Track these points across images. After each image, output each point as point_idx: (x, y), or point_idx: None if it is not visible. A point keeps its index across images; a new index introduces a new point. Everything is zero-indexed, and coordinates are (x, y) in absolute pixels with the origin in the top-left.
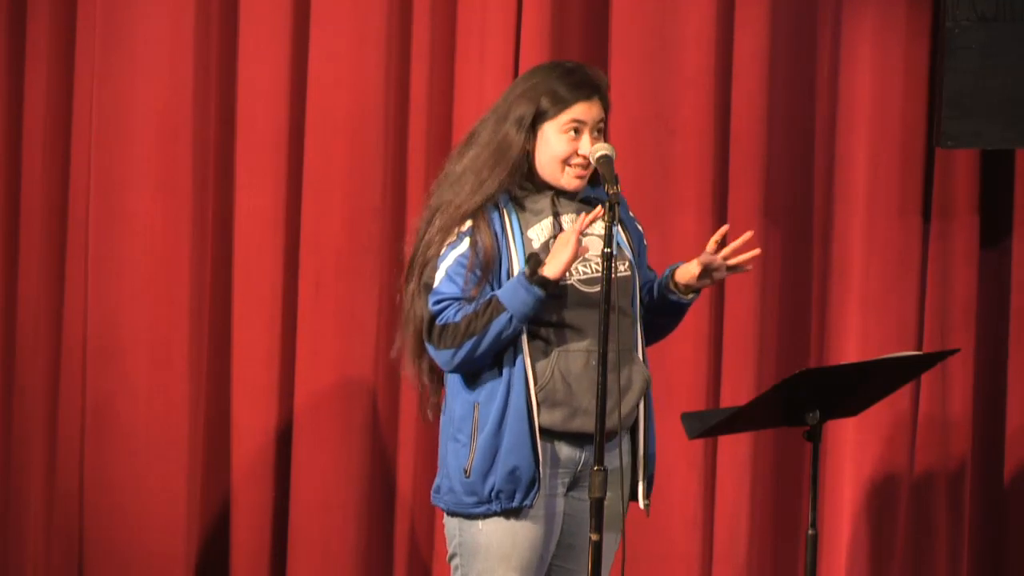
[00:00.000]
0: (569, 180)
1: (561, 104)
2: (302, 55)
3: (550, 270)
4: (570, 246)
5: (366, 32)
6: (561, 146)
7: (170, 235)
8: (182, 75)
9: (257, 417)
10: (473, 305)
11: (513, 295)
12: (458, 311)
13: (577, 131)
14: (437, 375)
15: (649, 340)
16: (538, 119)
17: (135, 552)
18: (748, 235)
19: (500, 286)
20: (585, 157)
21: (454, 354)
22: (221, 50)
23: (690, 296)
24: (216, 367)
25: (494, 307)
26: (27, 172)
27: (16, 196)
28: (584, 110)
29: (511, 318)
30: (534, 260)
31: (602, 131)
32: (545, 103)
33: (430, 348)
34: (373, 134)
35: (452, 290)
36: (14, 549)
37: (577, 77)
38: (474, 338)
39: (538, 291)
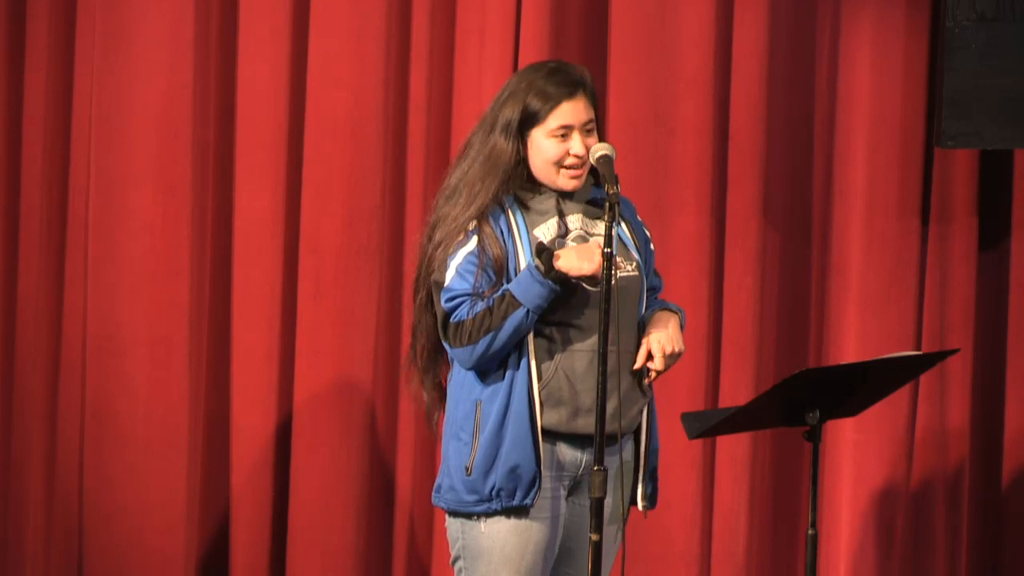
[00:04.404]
0: (565, 181)
1: (546, 105)
2: (302, 55)
3: (565, 263)
4: (594, 262)
5: (366, 32)
6: (552, 150)
7: (170, 235)
8: (182, 75)
9: (257, 417)
10: (486, 301)
11: (527, 289)
12: (471, 308)
13: (565, 135)
14: (441, 388)
15: None
16: (526, 124)
17: (135, 552)
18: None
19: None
20: (578, 156)
21: (472, 351)
22: (221, 50)
23: None
24: (216, 367)
25: (508, 302)
26: (27, 172)
27: (16, 196)
28: (570, 110)
29: (527, 313)
30: (547, 254)
31: (592, 131)
32: (532, 104)
33: (447, 347)
34: (372, 134)
35: (463, 286)
36: (14, 549)
37: (559, 76)
38: (490, 334)
39: (553, 285)
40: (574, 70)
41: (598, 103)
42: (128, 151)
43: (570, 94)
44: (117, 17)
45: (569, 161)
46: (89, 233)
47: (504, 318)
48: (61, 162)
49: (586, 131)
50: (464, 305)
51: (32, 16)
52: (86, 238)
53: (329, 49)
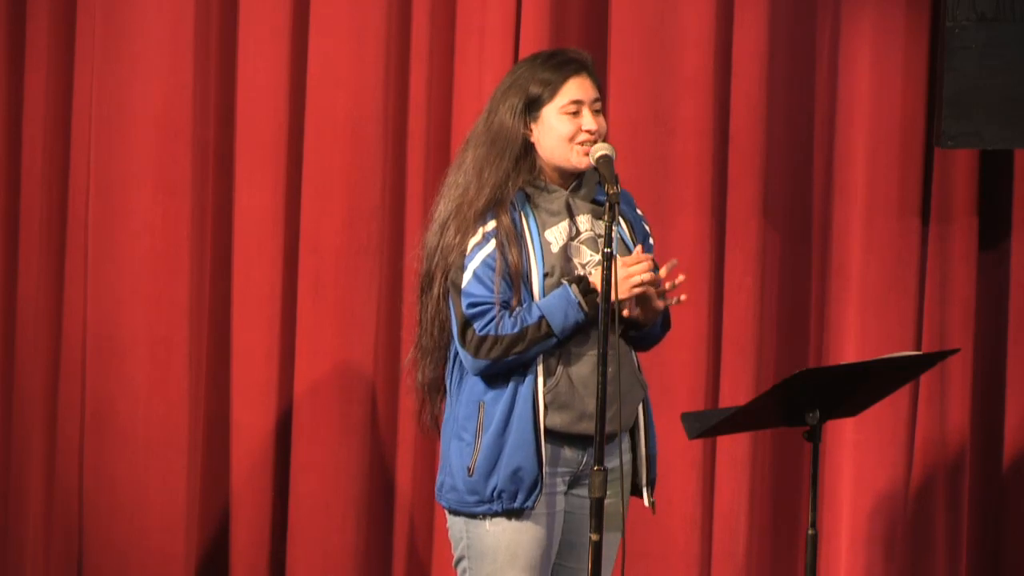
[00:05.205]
0: (579, 159)
1: (553, 85)
2: (302, 55)
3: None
4: (623, 290)
5: (365, 32)
6: (564, 127)
7: (170, 235)
8: (182, 75)
9: (257, 416)
10: (515, 320)
11: (564, 320)
12: (499, 323)
13: (576, 112)
14: (440, 386)
15: (638, 348)
16: (532, 106)
17: (135, 551)
18: (674, 262)
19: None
20: (590, 132)
21: (491, 365)
22: (221, 50)
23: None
24: (216, 367)
25: (545, 332)
26: (27, 172)
27: (16, 196)
28: (577, 87)
29: (557, 342)
30: (594, 294)
31: (600, 111)
32: (535, 89)
33: (463, 351)
34: (372, 134)
35: (483, 293)
36: (14, 549)
37: (560, 58)
38: (518, 355)
39: (586, 318)
40: (573, 51)
41: (602, 87)
42: (128, 151)
43: (576, 71)
44: (117, 17)
45: (582, 137)
46: (89, 233)
47: (535, 343)
48: (61, 162)
49: (595, 110)
50: (488, 316)
51: (32, 16)
52: (86, 238)
53: (329, 49)
